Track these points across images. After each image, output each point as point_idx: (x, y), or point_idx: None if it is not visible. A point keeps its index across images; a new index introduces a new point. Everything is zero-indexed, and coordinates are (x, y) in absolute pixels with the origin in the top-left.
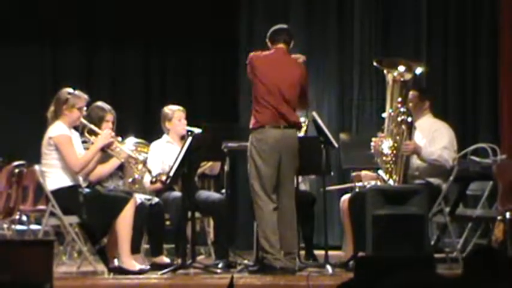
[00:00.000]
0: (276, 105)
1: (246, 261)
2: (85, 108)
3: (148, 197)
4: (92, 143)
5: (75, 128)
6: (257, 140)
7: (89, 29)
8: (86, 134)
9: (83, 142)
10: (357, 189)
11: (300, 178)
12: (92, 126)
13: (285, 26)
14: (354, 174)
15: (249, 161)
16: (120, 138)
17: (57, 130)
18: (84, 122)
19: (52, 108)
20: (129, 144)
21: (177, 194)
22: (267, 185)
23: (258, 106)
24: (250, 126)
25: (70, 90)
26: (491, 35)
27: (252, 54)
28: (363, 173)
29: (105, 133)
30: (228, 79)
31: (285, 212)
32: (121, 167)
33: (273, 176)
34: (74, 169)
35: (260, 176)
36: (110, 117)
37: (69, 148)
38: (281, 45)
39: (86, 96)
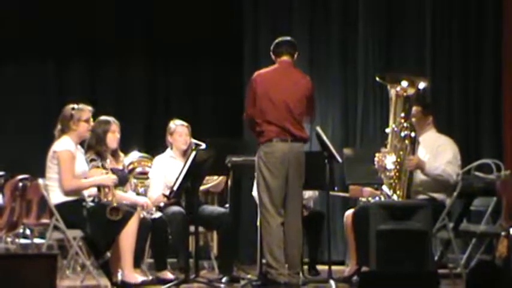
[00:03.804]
0: (282, 122)
1: (249, 276)
2: (91, 119)
3: (151, 211)
4: (101, 161)
5: (81, 145)
6: (265, 154)
7: (92, 45)
8: (94, 155)
9: (91, 160)
10: (361, 203)
11: (306, 194)
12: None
13: (287, 37)
14: (351, 187)
15: (257, 174)
16: (122, 155)
17: (63, 145)
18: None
19: (59, 126)
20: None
21: (177, 208)
22: (276, 198)
23: (264, 123)
24: (258, 140)
25: (73, 105)
26: (495, 50)
27: (255, 74)
28: (366, 189)
29: (110, 177)
30: (232, 94)
31: (291, 228)
32: (124, 183)
33: (282, 189)
34: (63, 187)
35: (269, 189)
36: (114, 127)
37: (68, 165)
38: (285, 58)
39: (90, 108)
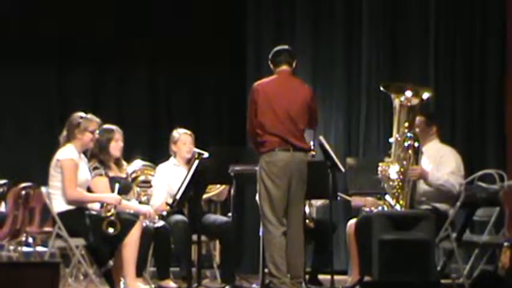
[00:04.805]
0: (284, 133)
1: (252, 285)
2: (97, 131)
3: (153, 220)
4: (104, 169)
5: (84, 153)
6: (267, 163)
7: (94, 50)
8: (97, 163)
9: (95, 169)
10: (364, 213)
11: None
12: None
13: (285, 46)
14: (351, 198)
15: (258, 184)
16: (125, 164)
17: (66, 153)
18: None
19: (64, 132)
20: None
21: (180, 217)
22: (278, 207)
23: (265, 134)
24: (259, 150)
25: (82, 114)
26: (498, 58)
27: (255, 84)
28: (368, 198)
29: (116, 198)
30: (235, 100)
31: (294, 236)
32: (126, 191)
33: (283, 199)
34: (66, 196)
35: (270, 199)
36: (117, 136)
37: (71, 174)
38: (284, 67)
39: (98, 120)
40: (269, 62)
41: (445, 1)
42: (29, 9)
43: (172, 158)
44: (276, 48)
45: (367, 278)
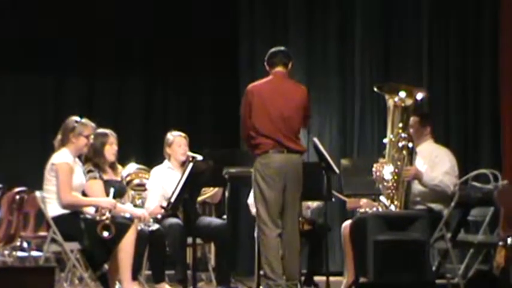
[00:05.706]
0: (277, 135)
1: None
2: (92, 136)
3: (148, 223)
4: (98, 172)
5: (79, 157)
6: (261, 165)
7: (89, 54)
8: (91, 167)
9: (89, 172)
10: (358, 214)
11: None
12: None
13: (281, 48)
14: (348, 200)
15: (253, 186)
16: (120, 167)
17: (61, 157)
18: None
19: (59, 136)
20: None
21: (175, 219)
22: (273, 209)
23: (259, 136)
24: (254, 153)
25: (77, 118)
26: (492, 58)
27: (249, 86)
28: (363, 200)
29: (111, 202)
30: (230, 102)
31: (289, 238)
32: (121, 195)
33: (278, 201)
34: (61, 199)
35: (265, 201)
36: (112, 139)
37: (66, 178)
38: (279, 68)
39: (93, 125)
40: (265, 63)
41: (438, 1)
42: (29, 9)
43: (166, 161)
44: (272, 50)
45: (362, 279)
